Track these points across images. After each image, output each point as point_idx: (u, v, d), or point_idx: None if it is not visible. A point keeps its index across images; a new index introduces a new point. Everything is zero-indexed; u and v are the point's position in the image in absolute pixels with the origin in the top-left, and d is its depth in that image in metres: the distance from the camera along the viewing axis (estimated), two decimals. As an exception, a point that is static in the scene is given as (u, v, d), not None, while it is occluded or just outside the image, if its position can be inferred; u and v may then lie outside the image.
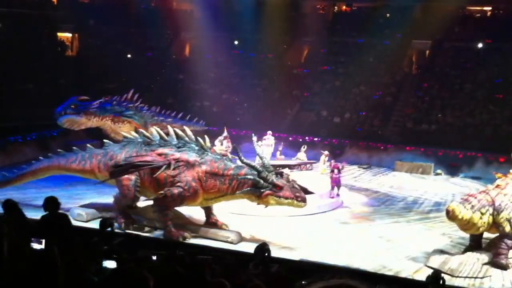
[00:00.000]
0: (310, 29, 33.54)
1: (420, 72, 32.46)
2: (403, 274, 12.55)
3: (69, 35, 36.24)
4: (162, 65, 34.52)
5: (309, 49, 34.80)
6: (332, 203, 18.36)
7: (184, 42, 36.82)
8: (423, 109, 28.79)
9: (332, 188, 18.70)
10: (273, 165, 14.94)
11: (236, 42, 35.04)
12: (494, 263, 13.19)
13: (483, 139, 25.80)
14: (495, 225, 13.19)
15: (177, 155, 14.27)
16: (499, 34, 30.70)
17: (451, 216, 13.07)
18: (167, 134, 15.32)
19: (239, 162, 14.14)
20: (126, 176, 14.45)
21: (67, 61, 33.71)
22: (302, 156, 23.16)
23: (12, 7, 32.35)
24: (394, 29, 32.89)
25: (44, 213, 8.74)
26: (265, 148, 21.13)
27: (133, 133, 15.78)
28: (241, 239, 14.38)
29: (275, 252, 12.28)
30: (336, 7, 37.19)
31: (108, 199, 15.94)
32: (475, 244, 13.93)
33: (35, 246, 7.59)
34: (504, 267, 13.13)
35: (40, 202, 9.00)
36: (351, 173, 24.01)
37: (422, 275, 12.06)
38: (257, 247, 8.66)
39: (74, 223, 12.35)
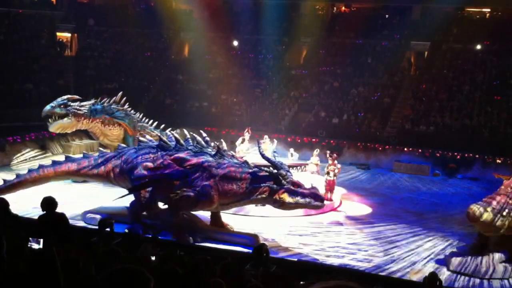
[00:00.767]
0: (309, 30, 33.62)
1: (418, 73, 32.53)
2: (400, 275, 12.59)
3: (68, 35, 36.26)
4: (161, 65, 34.56)
5: (308, 50, 34.84)
6: (329, 204, 18.36)
7: (183, 43, 36.86)
8: (421, 110, 28.84)
9: (326, 192, 18.31)
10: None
11: (235, 43, 35.08)
12: None
13: (480, 141, 25.88)
14: None
15: (194, 160, 14.02)
16: (498, 35, 30.80)
17: (472, 218, 12.94)
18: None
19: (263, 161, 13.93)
20: (142, 182, 14.19)
21: (66, 61, 33.73)
22: (315, 160, 21.69)
23: (11, 7, 32.41)
24: (392, 31, 33.02)
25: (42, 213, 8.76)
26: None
27: (148, 137, 15.41)
28: (259, 242, 14.06)
29: (273, 253, 12.39)
30: (335, 8, 37.25)
31: (119, 201, 15.75)
32: (483, 243, 13.86)
33: (34, 245, 7.68)
34: None
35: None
36: (349, 174, 24.07)
37: (419, 276, 12.14)
38: (255, 247, 8.71)
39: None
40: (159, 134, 15.37)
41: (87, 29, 36.14)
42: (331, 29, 34.85)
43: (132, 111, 21.29)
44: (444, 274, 13.03)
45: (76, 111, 19.39)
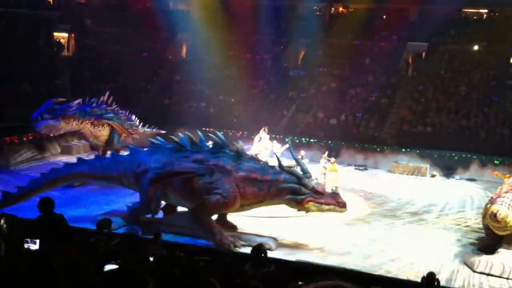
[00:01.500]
0: (306, 30, 33.61)
1: (416, 74, 32.57)
2: (397, 276, 12.57)
3: (66, 35, 36.18)
4: (159, 66, 34.52)
5: (306, 50, 34.87)
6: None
7: (181, 43, 36.84)
8: (418, 111, 28.88)
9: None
10: None
11: (233, 44, 35.04)
12: None
13: (478, 141, 25.94)
14: None
15: (213, 161, 13.81)
16: (495, 36, 30.86)
17: (502, 220, 13.00)
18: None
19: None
20: (152, 187, 13.99)
21: (63, 61, 33.65)
22: (323, 162, 20.80)
23: (8, 7, 32.32)
24: (390, 31, 33.03)
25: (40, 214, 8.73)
26: (263, 151, 20.85)
27: (160, 139, 15.25)
28: (277, 245, 14.08)
29: (271, 253, 12.36)
30: (332, 8, 37.26)
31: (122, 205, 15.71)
32: (495, 241, 13.97)
33: (31, 246, 7.65)
34: None
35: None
36: (347, 175, 24.06)
37: (417, 276, 12.13)
38: (254, 248, 8.69)
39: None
40: (172, 137, 15.05)
41: (84, 29, 36.07)
42: (328, 30, 34.86)
43: (119, 110, 21.06)
44: (461, 275, 13.08)
45: (64, 113, 19.01)
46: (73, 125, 19.49)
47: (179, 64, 34.68)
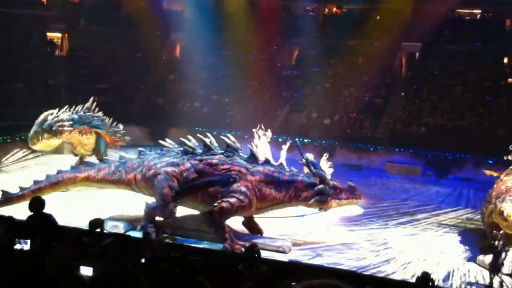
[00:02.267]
0: (300, 30, 33.59)
1: (410, 74, 32.59)
2: (391, 276, 12.55)
3: (59, 35, 36.03)
4: (153, 65, 34.42)
5: (300, 50, 34.84)
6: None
7: (175, 43, 36.77)
8: (413, 111, 28.90)
9: None
10: None
11: (226, 43, 35.00)
12: None
13: (472, 141, 25.94)
14: None
15: (227, 165, 13.59)
16: (489, 36, 30.91)
17: (507, 216, 13.14)
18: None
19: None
20: (165, 190, 13.58)
21: (57, 61, 33.51)
22: (323, 164, 21.42)
23: (2, 6, 32.15)
24: (384, 31, 32.99)
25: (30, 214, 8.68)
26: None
27: (169, 141, 14.95)
28: (291, 247, 13.98)
29: (264, 253, 12.33)
30: (326, 9, 37.24)
31: (137, 207, 15.37)
32: (502, 239, 13.68)
33: (23, 247, 7.59)
34: None
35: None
36: (341, 175, 23.99)
37: (410, 276, 12.13)
38: (247, 248, 8.66)
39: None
40: (183, 139, 14.63)
41: (78, 29, 35.93)
42: (322, 30, 34.82)
43: (103, 116, 20.56)
44: (457, 275, 13.11)
45: (61, 128, 18.86)
46: (64, 136, 19.27)
47: (173, 64, 34.61)
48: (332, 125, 28.68)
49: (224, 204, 13.20)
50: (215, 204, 13.26)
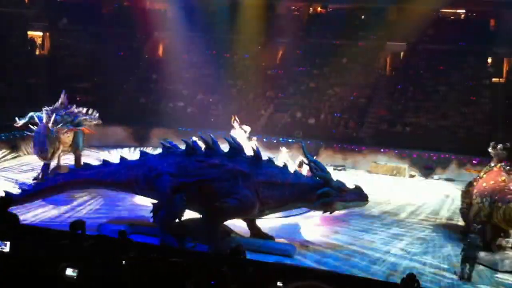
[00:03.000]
0: (285, 30, 33.47)
1: (394, 74, 32.60)
2: (377, 277, 12.45)
3: (40, 33, 35.60)
4: (135, 64, 34.06)
5: (284, 50, 34.72)
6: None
7: (158, 42, 36.45)
8: (397, 111, 28.90)
9: None
10: None
11: (210, 43, 34.76)
12: None
13: (456, 141, 25.98)
14: None
15: (230, 165, 13.34)
16: (472, 36, 31.02)
17: None
18: None
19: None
20: (169, 191, 13.29)
21: (38, 60, 33.11)
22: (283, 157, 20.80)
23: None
24: (369, 31, 33.00)
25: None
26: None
27: (171, 142, 14.67)
28: (296, 251, 13.78)
29: (250, 255, 12.16)
30: (311, 8, 37.15)
31: (134, 210, 15.30)
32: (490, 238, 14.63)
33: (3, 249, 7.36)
34: None
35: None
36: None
37: (396, 278, 12.01)
38: (232, 249, 8.48)
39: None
40: (185, 140, 14.39)
41: (60, 27, 35.51)
42: (307, 30, 34.76)
43: (76, 108, 20.16)
44: (445, 276, 13.10)
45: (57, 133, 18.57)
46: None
47: (156, 63, 34.29)
48: (317, 124, 28.57)
49: (224, 204, 13.00)
50: (216, 204, 13.03)
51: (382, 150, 26.27)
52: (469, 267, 12.83)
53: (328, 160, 25.97)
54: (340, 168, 25.65)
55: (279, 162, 15.42)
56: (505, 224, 14.30)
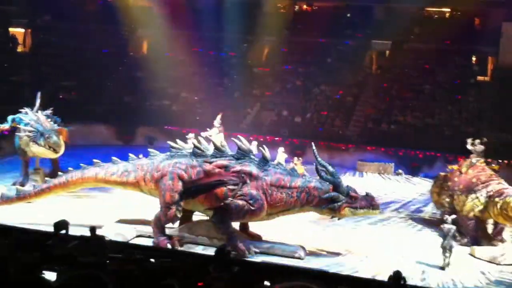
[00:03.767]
0: (271, 28, 33.30)
1: (380, 72, 32.59)
2: (364, 275, 12.36)
3: (22, 30, 35.08)
4: (119, 62, 33.68)
5: (270, 48, 34.54)
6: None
7: (142, 39, 36.08)
8: (383, 109, 28.89)
9: None
10: None
11: (196, 40, 34.51)
12: None
13: (442, 140, 26.01)
14: None
15: (238, 167, 13.24)
16: (458, 35, 31.06)
17: None
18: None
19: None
20: (169, 193, 13.23)
21: (20, 58, 32.65)
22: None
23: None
24: (355, 29, 33.00)
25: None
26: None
27: (180, 142, 14.56)
28: (307, 253, 13.66)
29: (259, 257, 12.11)
30: (297, 6, 37.04)
31: (140, 212, 15.12)
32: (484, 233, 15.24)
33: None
34: None
35: None
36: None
37: (383, 276, 11.91)
38: (217, 249, 8.31)
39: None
40: (193, 141, 14.41)
41: (43, 24, 35.05)
42: (293, 28, 34.62)
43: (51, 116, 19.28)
44: (432, 273, 13.14)
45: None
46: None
47: (141, 60, 33.92)
48: (303, 123, 28.47)
49: (232, 204, 12.92)
50: (222, 204, 12.98)
51: (368, 148, 26.23)
52: (448, 254, 13.21)
53: (314, 158, 25.93)
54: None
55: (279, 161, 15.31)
56: (502, 218, 14.54)
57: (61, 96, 29.70)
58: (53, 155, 18.39)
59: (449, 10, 34.15)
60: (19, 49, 34.22)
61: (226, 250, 8.24)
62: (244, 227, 14.45)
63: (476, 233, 15.05)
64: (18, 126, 18.48)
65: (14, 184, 18.21)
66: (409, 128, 27.41)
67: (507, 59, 29.79)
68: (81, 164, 15.15)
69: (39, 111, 18.81)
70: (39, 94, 19.46)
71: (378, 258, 13.86)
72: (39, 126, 17.91)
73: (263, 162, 13.50)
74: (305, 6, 36.98)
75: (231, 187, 13.06)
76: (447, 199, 16.43)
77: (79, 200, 17.27)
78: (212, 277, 7.22)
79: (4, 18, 33.22)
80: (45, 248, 8.10)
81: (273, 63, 33.07)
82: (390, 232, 16.31)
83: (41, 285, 4.81)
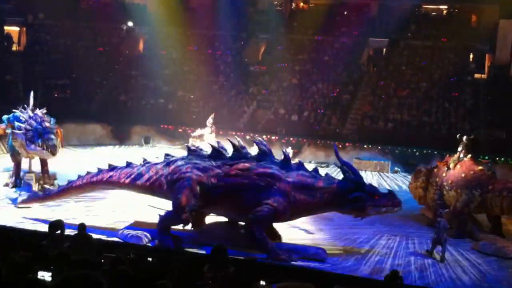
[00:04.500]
0: (267, 26, 33.26)
1: (376, 70, 32.53)
2: (362, 274, 12.29)
3: (17, 29, 34.91)
4: (115, 61, 33.52)
5: (266, 46, 34.49)
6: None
7: (137, 38, 35.95)
8: (380, 107, 28.81)
9: None
10: None
11: (192, 39, 34.40)
12: None
13: (438, 137, 25.95)
14: None
15: (261, 169, 13.00)
16: (454, 33, 31.04)
17: None
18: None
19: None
20: (185, 197, 12.90)
21: (14, 56, 32.48)
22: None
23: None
24: (351, 28, 32.93)
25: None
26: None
27: (194, 143, 14.46)
28: (327, 255, 13.46)
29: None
30: (293, 4, 37.00)
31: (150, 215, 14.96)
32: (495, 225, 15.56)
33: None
34: None
35: None
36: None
37: (379, 275, 11.85)
38: (213, 248, 8.22)
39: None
40: (210, 143, 14.11)
41: (37, 23, 34.87)
42: (289, 26, 34.56)
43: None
44: (431, 270, 13.04)
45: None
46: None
47: (136, 59, 33.81)
48: (300, 121, 28.37)
49: (259, 214, 12.67)
50: (250, 216, 12.72)
51: (365, 146, 26.15)
52: (441, 249, 13.36)
53: (311, 157, 25.92)
54: (323, 165, 25.47)
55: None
56: (499, 211, 14.81)
57: (55, 95, 29.54)
58: (49, 157, 17.65)
59: (445, 7, 34.12)
60: (14, 47, 34.04)
61: (221, 249, 8.15)
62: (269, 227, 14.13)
63: (466, 227, 15.24)
64: (12, 126, 17.98)
65: (6, 185, 18.04)
66: (406, 125, 27.33)
67: (503, 56, 29.79)
68: (97, 167, 15.04)
69: (37, 109, 18.37)
70: (32, 94, 19.02)
71: (375, 257, 13.77)
72: (38, 125, 17.22)
73: (285, 163, 13.30)
74: (301, 4, 36.98)
75: (253, 189, 12.82)
76: (434, 195, 16.59)
77: (79, 200, 17.08)
78: (207, 277, 7.18)
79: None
80: (40, 248, 8.04)
81: (269, 61, 32.97)
82: (386, 231, 16.21)
83: (36, 285, 4.74)
